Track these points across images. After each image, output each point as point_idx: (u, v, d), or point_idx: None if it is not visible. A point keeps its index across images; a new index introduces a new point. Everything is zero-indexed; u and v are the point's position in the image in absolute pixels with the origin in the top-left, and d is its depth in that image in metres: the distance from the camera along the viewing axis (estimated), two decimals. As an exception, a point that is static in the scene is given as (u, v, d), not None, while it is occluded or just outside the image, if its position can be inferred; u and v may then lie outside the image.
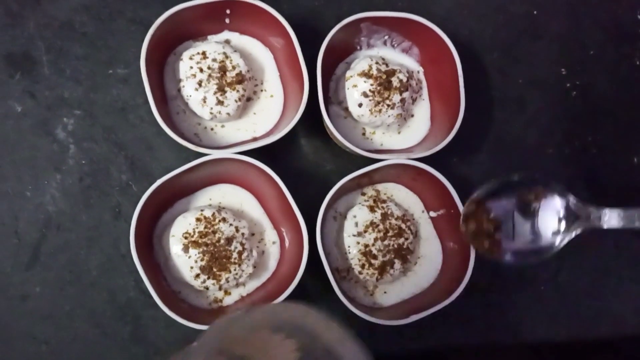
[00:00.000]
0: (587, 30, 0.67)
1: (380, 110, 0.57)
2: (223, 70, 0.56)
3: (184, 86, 0.56)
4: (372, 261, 0.56)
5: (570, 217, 0.53)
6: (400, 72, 0.58)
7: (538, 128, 0.66)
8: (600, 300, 0.64)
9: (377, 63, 0.58)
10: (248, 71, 0.57)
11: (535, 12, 0.66)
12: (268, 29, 0.58)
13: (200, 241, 0.53)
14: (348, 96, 0.58)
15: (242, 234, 0.54)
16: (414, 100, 0.61)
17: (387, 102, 0.57)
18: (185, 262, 0.53)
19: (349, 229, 0.57)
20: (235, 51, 0.57)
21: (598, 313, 0.64)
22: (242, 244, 0.54)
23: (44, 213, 0.57)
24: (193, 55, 0.56)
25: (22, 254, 0.56)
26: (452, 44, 0.58)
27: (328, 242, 0.58)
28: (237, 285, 0.56)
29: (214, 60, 0.56)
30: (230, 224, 0.54)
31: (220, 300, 0.56)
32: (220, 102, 0.56)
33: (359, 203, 0.59)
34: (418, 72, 0.62)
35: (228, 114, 0.56)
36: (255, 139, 0.58)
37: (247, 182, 0.58)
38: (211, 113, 0.56)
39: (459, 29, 0.64)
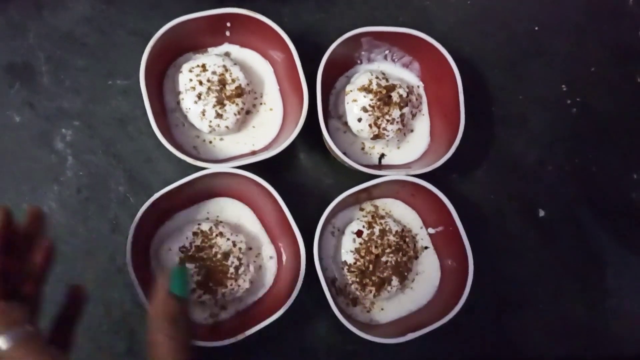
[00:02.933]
0: (589, 48, 0.67)
1: (379, 127, 0.57)
2: (223, 83, 0.55)
3: (183, 99, 0.56)
4: (370, 278, 0.56)
5: None
6: (400, 87, 0.58)
7: (539, 145, 0.65)
8: (600, 320, 0.64)
9: (377, 78, 0.58)
10: (248, 84, 0.57)
11: (537, 30, 0.66)
12: (268, 42, 0.57)
13: (197, 255, 0.53)
14: (347, 110, 0.58)
15: (239, 248, 0.54)
16: (413, 116, 0.61)
17: (387, 117, 0.57)
18: None
19: (347, 244, 0.56)
20: (235, 64, 0.57)
21: (597, 333, 0.63)
22: (239, 259, 0.54)
23: (40, 224, 0.56)
24: (193, 67, 0.56)
25: (18, 265, 0.56)
26: (453, 60, 0.58)
27: (326, 257, 0.57)
28: (234, 300, 0.55)
29: (214, 73, 0.55)
30: (228, 239, 0.53)
31: (216, 315, 0.56)
32: (219, 115, 0.55)
33: (358, 219, 0.58)
34: (418, 87, 0.62)
35: (227, 127, 0.56)
36: (254, 152, 0.58)
37: (245, 196, 0.57)
38: (210, 126, 0.56)
39: (460, 45, 0.64)
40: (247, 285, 0.54)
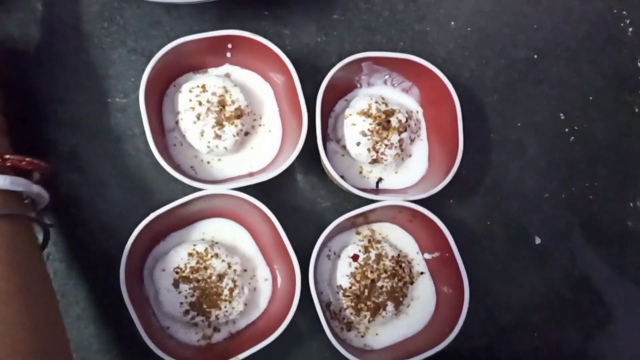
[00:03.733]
0: (587, 76, 0.68)
1: (378, 151, 0.57)
2: (222, 104, 0.55)
3: (182, 118, 0.56)
4: (365, 303, 0.55)
5: None
6: (399, 112, 0.58)
7: (536, 172, 0.65)
8: (596, 348, 0.64)
9: (376, 102, 0.58)
10: (247, 106, 0.57)
11: (535, 57, 0.67)
12: (269, 64, 0.58)
13: (191, 277, 0.52)
14: (346, 134, 0.58)
15: (234, 270, 0.54)
16: (412, 141, 0.61)
17: (386, 141, 0.57)
18: (175, 298, 0.52)
19: (343, 268, 0.56)
20: (235, 85, 0.57)
21: (592, 362, 0.63)
22: (233, 281, 0.53)
23: (34, 241, 0.56)
24: (193, 87, 0.56)
25: (10, 282, 0.55)
26: (452, 85, 0.58)
27: (321, 281, 0.57)
28: (227, 322, 0.55)
29: (214, 93, 0.55)
30: (223, 260, 0.53)
31: (209, 337, 0.55)
32: (217, 136, 0.55)
33: (354, 242, 0.58)
34: (417, 112, 0.62)
35: (225, 148, 0.56)
36: (251, 174, 0.58)
37: (241, 217, 0.57)
38: (208, 147, 0.56)
39: (459, 71, 0.65)
40: (241, 307, 0.54)
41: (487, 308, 0.61)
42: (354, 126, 0.57)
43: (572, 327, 0.64)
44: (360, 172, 0.60)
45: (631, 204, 0.67)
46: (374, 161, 0.58)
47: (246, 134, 0.59)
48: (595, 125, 0.67)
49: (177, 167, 0.54)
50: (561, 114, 0.67)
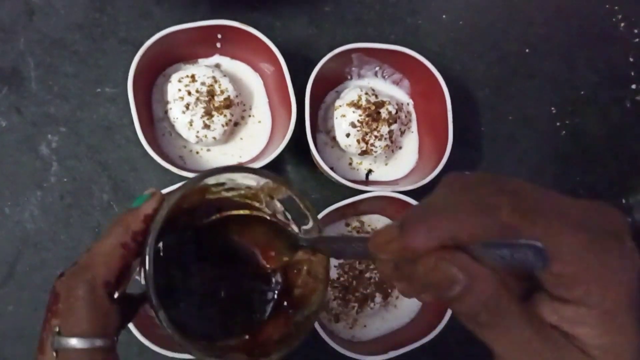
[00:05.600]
0: (579, 71, 0.68)
1: (367, 143, 0.57)
2: (211, 94, 0.55)
3: (171, 108, 0.56)
4: (353, 294, 0.55)
5: None
6: (389, 103, 0.58)
7: (527, 166, 0.65)
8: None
9: (366, 94, 0.58)
10: (237, 96, 0.57)
11: (527, 51, 0.67)
12: (259, 55, 0.57)
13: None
14: (336, 126, 0.58)
15: None
16: (402, 133, 0.61)
17: (375, 133, 0.57)
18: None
19: (331, 260, 0.56)
20: (224, 75, 0.57)
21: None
22: None
23: (21, 230, 0.56)
24: (182, 77, 0.56)
25: (-3, 270, 0.55)
26: (442, 78, 0.58)
27: (309, 272, 0.57)
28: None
29: (203, 83, 0.55)
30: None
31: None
32: (206, 126, 0.55)
33: (343, 234, 0.58)
34: (408, 104, 0.62)
35: (214, 138, 0.56)
36: (241, 165, 0.58)
37: (230, 207, 0.57)
38: (197, 136, 0.55)
39: (451, 64, 0.65)
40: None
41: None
42: (344, 117, 0.57)
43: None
44: (350, 164, 0.60)
45: (623, 200, 0.67)
46: (364, 152, 0.58)
47: (235, 124, 0.59)
48: (587, 120, 0.67)
49: (165, 158, 0.54)
50: (553, 109, 0.67)
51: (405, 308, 0.59)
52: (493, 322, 0.26)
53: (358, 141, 0.57)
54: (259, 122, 0.59)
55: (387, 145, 0.58)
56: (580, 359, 0.27)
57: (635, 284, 0.26)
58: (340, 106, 0.58)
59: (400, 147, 0.61)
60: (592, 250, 0.25)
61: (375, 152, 0.58)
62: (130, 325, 0.49)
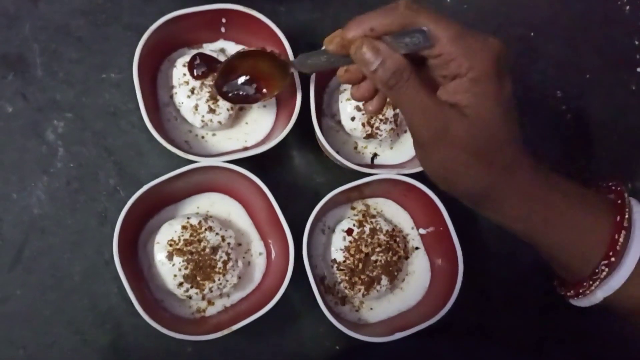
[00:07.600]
0: (584, 54, 0.67)
1: (373, 126, 0.57)
2: (216, 78, 0.55)
3: (176, 93, 0.56)
4: (359, 277, 0.55)
5: None
6: (394, 87, 0.58)
7: (532, 150, 0.64)
8: (590, 330, 0.64)
9: (371, 77, 0.57)
10: (242, 80, 0.57)
11: (532, 35, 0.66)
12: (263, 39, 0.57)
13: (185, 249, 0.52)
14: (341, 109, 0.58)
15: (228, 243, 0.54)
16: (407, 116, 0.61)
17: (380, 116, 0.57)
18: (169, 270, 0.52)
19: (337, 242, 0.56)
20: (229, 60, 0.56)
21: (590, 336, 0.63)
22: (227, 254, 0.53)
23: (28, 215, 0.56)
24: (187, 62, 0.56)
25: (5, 255, 0.56)
26: (447, 61, 0.58)
27: (315, 255, 0.57)
28: (221, 295, 0.55)
29: (208, 68, 0.55)
30: (217, 233, 0.53)
31: (203, 310, 0.55)
32: (212, 111, 0.55)
33: (348, 217, 0.58)
34: (413, 88, 0.62)
35: (219, 122, 0.56)
36: (246, 149, 0.58)
37: (236, 191, 0.57)
38: (202, 121, 0.56)
39: (455, 47, 0.64)
40: (235, 280, 0.54)
41: (481, 283, 0.61)
42: (349, 101, 0.57)
43: (565, 305, 0.63)
44: (355, 148, 0.60)
45: (630, 185, 0.67)
46: (369, 136, 0.58)
47: (241, 108, 0.59)
48: (591, 103, 0.67)
49: (171, 142, 0.54)
50: (558, 92, 0.66)
51: (411, 291, 0.59)
52: (397, 85, 0.40)
53: (363, 125, 0.57)
54: (264, 106, 0.59)
55: (392, 129, 0.58)
56: (458, 117, 0.40)
57: (496, 61, 0.39)
58: (345, 90, 0.58)
59: (406, 131, 0.61)
60: (462, 35, 0.39)
61: (381, 135, 0.58)
62: (138, 308, 0.49)
